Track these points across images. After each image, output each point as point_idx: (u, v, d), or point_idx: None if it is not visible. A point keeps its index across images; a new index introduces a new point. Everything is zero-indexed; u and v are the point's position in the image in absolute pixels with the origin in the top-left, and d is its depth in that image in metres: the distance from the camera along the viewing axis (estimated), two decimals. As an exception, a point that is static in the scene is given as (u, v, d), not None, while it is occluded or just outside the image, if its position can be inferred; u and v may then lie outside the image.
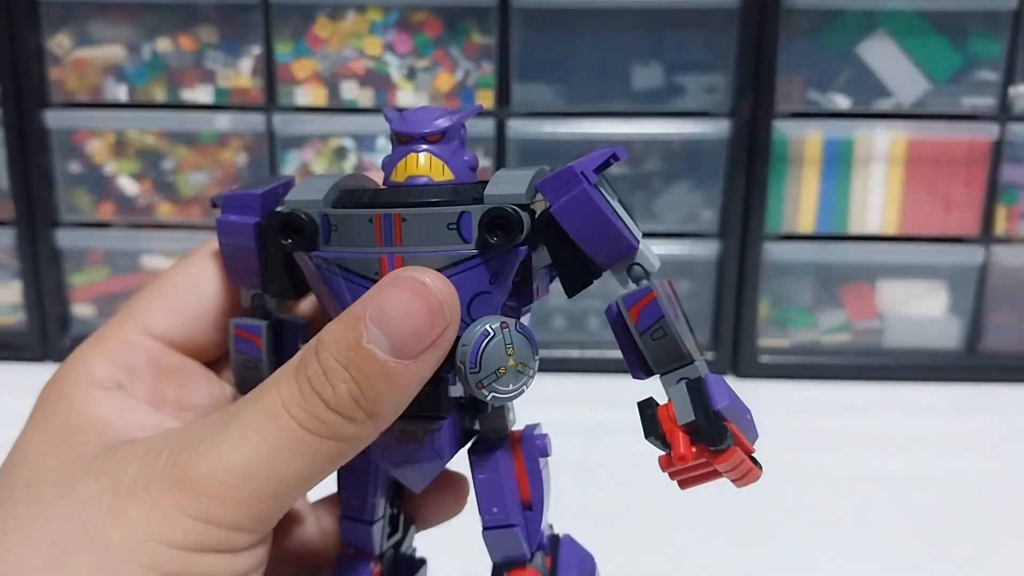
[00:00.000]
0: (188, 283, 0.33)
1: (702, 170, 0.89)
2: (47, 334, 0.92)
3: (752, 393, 0.86)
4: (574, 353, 0.89)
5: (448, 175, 0.30)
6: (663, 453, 0.29)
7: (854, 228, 0.89)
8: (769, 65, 0.84)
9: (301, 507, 0.38)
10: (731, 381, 0.96)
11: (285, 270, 0.32)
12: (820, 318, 0.92)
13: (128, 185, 0.90)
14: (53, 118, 0.88)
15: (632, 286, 0.30)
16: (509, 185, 0.29)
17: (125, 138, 0.89)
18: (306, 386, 0.27)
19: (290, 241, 0.29)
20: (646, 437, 0.29)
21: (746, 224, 0.88)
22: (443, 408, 0.31)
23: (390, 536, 0.36)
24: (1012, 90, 0.86)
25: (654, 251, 0.30)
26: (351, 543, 0.35)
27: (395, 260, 0.29)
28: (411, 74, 0.87)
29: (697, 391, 0.29)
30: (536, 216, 0.30)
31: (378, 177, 0.33)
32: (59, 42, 0.87)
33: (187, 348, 0.34)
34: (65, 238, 0.91)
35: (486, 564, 0.34)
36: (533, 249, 0.30)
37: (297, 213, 0.29)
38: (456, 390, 0.31)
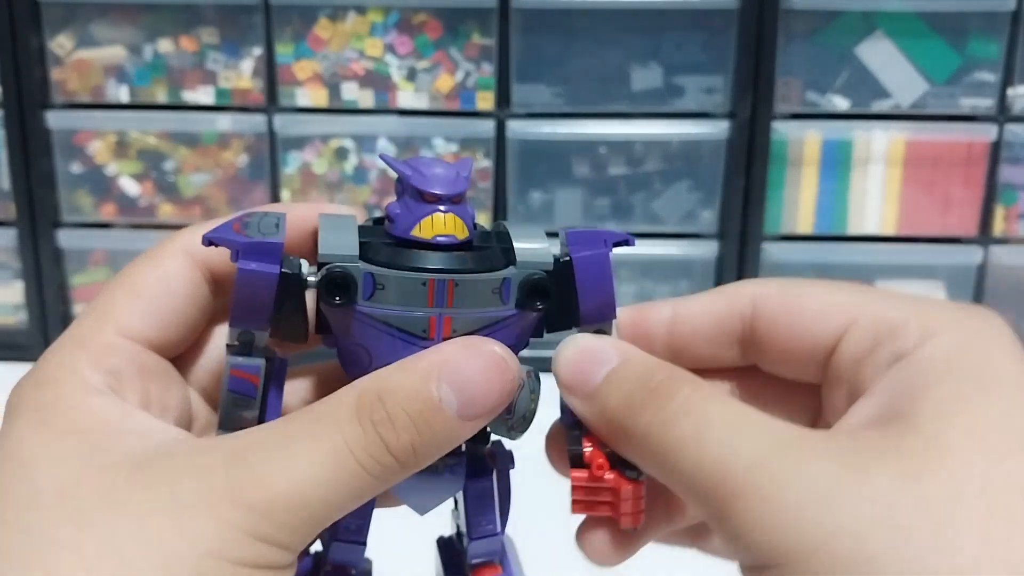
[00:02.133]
0: (162, 284, 0.34)
1: (701, 171, 0.89)
2: (48, 334, 0.92)
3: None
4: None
5: (465, 233, 0.32)
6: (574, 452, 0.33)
7: (853, 229, 0.90)
8: (768, 66, 0.85)
9: None
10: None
11: (303, 319, 0.33)
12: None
13: (129, 186, 0.91)
14: (55, 119, 0.88)
15: None
16: (536, 248, 0.32)
17: (126, 139, 0.90)
18: (371, 429, 0.29)
19: (337, 299, 0.31)
20: (568, 447, 0.33)
21: (745, 224, 0.88)
22: (462, 445, 0.33)
23: None
24: (1010, 91, 0.86)
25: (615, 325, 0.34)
26: (339, 562, 0.37)
27: (444, 320, 0.31)
28: (411, 75, 0.87)
29: None
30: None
31: (361, 215, 0.35)
32: (61, 43, 0.88)
33: (160, 348, 0.34)
34: (67, 238, 0.91)
35: (425, 565, 0.38)
36: None
37: (344, 270, 0.31)
38: None
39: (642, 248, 0.90)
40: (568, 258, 0.32)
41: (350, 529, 0.36)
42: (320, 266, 0.31)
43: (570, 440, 0.33)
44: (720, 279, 0.90)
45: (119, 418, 0.31)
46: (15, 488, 0.29)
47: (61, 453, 0.29)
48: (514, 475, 0.37)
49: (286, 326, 0.32)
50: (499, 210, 0.90)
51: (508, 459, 0.37)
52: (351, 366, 0.33)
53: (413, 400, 0.29)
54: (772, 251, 0.89)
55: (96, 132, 0.89)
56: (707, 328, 0.34)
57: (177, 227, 1.00)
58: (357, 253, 0.31)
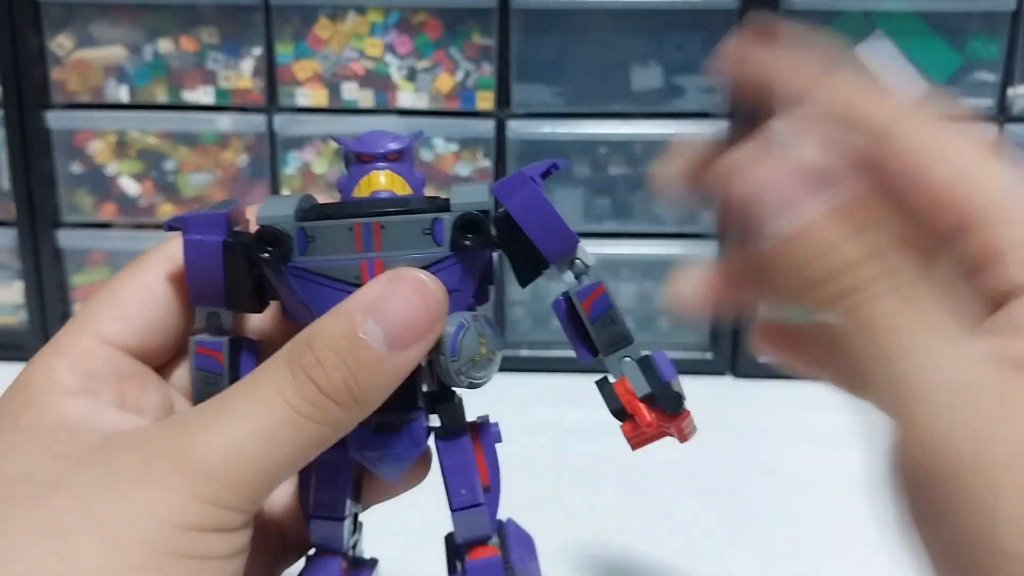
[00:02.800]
0: (141, 291, 0.35)
1: (701, 171, 0.89)
2: (49, 334, 0.91)
3: (751, 393, 0.86)
4: (571, 353, 0.89)
5: (408, 190, 0.33)
6: (624, 420, 0.34)
7: (853, 228, 0.90)
8: (768, 66, 0.85)
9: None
10: (730, 381, 0.96)
11: (252, 285, 0.33)
12: (818, 318, 0.92)
13: (129, 186, 0.91)
14: (54, 119, 0.89)
15: (575, 280, 0.34)
16: (472, 195, 0.33)
17: (126, 139, 0.90)
18: (300, 374, 0.29)
19: (268, 254, 0.32)
20: (613, 413, 0.34)
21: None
22: (418, 400, 0.34)
23: (352, 534, 0.38)
24: (1011, 91, 0.86)
25: (589, 251, 0.34)
26: (321, 543, 0.36)
27: (375, 264, 0.32)
28: (411, 75, 0.87)
29: (648, 366, 0.34)
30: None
31: (324, 199, 0.35)
32: (60, 43, 0.88)
33: (140, 354, 0.35)
34: (67, 238, 0.91)
35: (434, 564, 0.37)
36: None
37: (274, 227, 0.32)
38: (425, 385, 0.35)
39: (642, 248, 0.90)
40: (503, 209, 0.33)
41: (323, 503, 0.36)
42: (257, 230, 0.32)
43: (607, 397, 0.34)
44: (720, 279, 0.90)
45: (85, 415, 0.32)
46: None
47: (24, 448, 0.30)
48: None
49: (239, 296, 0.33)
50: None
51: (491, 432, 0.37)
52: (301, 328, 0.33)
53: (338, 338, 0.29)
54: (772, 251, 0.89)
55: (96, 132, 0.89)
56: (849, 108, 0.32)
57: (177, 227, 0.99)
58: (291, 215, 0.32)
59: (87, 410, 0.32)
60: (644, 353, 0.34)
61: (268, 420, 0.29)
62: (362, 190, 0.33)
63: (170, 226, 0.33)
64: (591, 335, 0.34)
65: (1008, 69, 0.86)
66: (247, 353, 0.35)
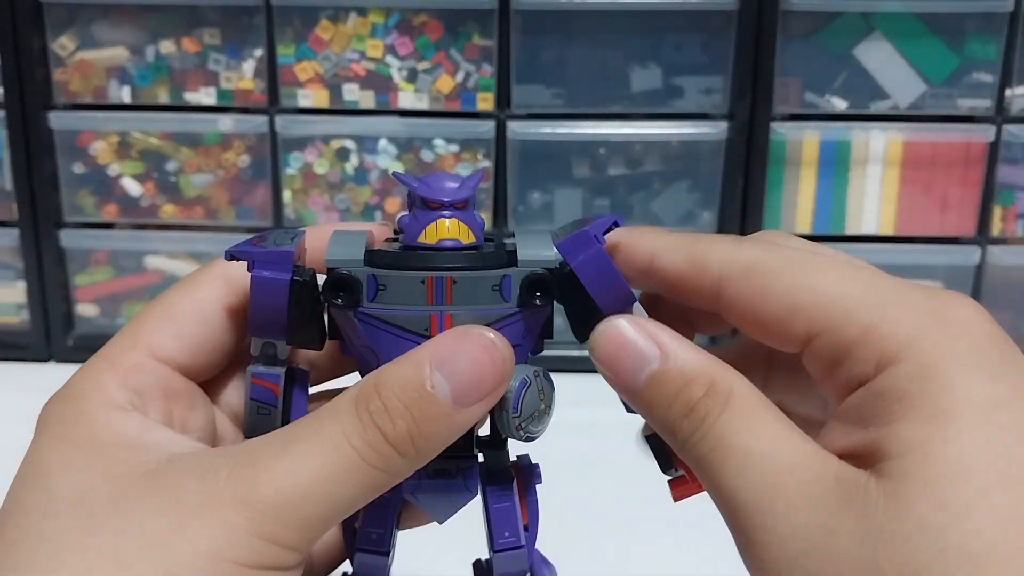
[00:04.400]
0: (195, 309, 0.34)
1: (700, 171, 0.90)
2: (51, 334, 0.92)
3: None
4: (574, 352, 0.89)
5: (472, 238, 0.33)
6: (671, 476, 0.35)
7: (851, 229, 0.90)
8: (767, 67, 0.85)
9: None
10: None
11: (315, 323, 0.34)
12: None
13: (132, 186, 0.91)
14: (57, 119, 0.89)
15: None
16: (538, 248, 0.33)
17: (129, 139, 0.90)
18: (367, 420, 0.30)
19: (340, 300, 0.32)
20: (663, 470, 0.35)
21: (744, 225, 0.89)
22: (474, 447, 0.34)
23: None
24: (1008, 92, 0.87)
25: (642, 308, 0.34)
26: (365, 573, 0.37)
27: (444, 318, 0.32)
28: (412, 76, 0.88)
29: None
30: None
31: (381, 232, 0.36)
32: (63, 44, 0.88)
33: (190, 371, 0.35)
34: (69, 239, 0.92)
35: None
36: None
37: (348, 273, 0.32)
38: (479, 430, 0.35)
39: (642, 248, 0.90)
40: (568, 268, 0.33)
41: (371, 538, 0.36)
42: (328, 272, 0.32)
43: (658, 454, 0.35)
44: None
45: (137, 432, 0.31)
46: (33, 497, 0.30)
47: (77, 464, 0.30)
48: (543, 491, 0.38)
49: (301, 333, 0.33)
50: (499, 210, 0.90)
51: (534, 473, 0.37)
52: (363, 369, 0.33)
53: (406, 389, 0.30)
54: (771, 251, 0.90)
55: (98, 133, 0.90)
56: (677, 287, 0.33)
57: (179, 227, 1.00)
58: (361, 258, 0.32)
59: (139, 427, 0.32)
60: None
61: (333, 462, 0.29)
62: (428, 237, 0.33)
63: (232, 256, 0.33)
64: None
65: (1006, 70, 0.86)
66: (299, 385, 0.35)
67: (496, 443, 0.35)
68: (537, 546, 0.39)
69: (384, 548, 0.36)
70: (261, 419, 0.34)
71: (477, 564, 0.40)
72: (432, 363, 0.30)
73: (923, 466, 0.26)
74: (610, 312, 0.33)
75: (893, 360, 0.27)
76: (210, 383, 0.36)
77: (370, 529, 0.36)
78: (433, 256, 0.33)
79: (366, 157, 0.90)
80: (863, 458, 0.27)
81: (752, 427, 0.29)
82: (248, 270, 0.32)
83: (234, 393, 0.36)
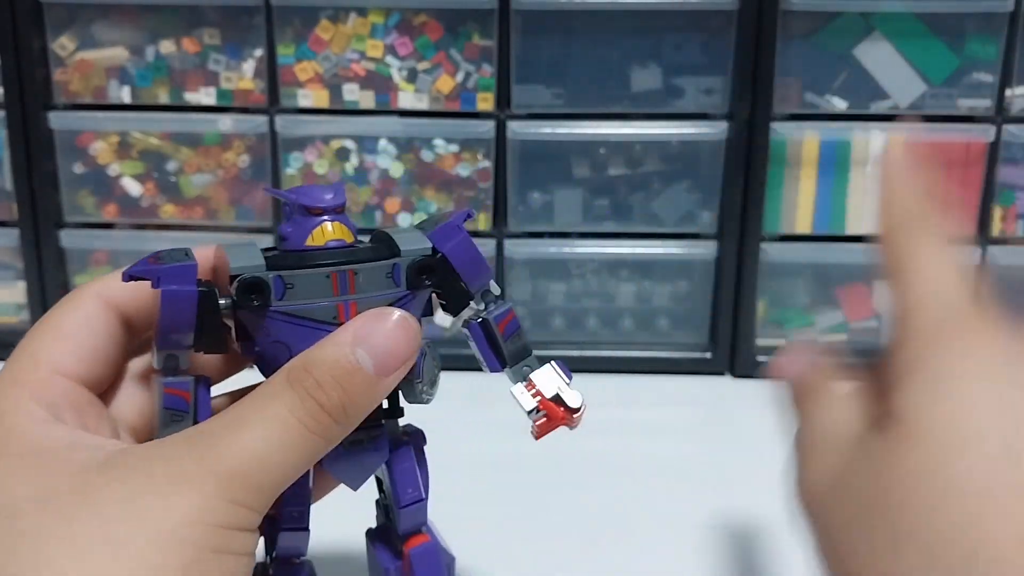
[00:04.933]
0: (83, 325, 0.38)
1: (700, 171, 0.90)
2: (51, 334, 0.92)
3: (750, 393, 0.87)
4: (573, 353, 0.89)
5: (352, 237, 0.39)
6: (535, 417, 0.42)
7: (851, 229, 0.90)
8: (767, 67, 0.85)
9: None
10: (729, 381, 0.97)
11: (219, 330, 0.37)
12: (817, 319, 0.93)
13: (132, 186, 0.91)
14: (57, 120, 0.89)
15: (488, 305, 0.41)
16: (415, 242, 0.39)
17: (128, 139, 0.90)
18: (305, 395, 0.34)
19: (255, 302, 0.36)
20: (525, 410, 0.42)
21: (744, 225, 0.89)
22: (380, 418, 0.40)
23: None
24: (1008, 92, 0.87)
25: (494, 283, 0.42)
26: (288, 553, 0.41)
27: (350, 305, 0.37)
28: (412, 76, 0.88)
29: (549, 372, 0.42)
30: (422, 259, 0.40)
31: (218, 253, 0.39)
32: (63, 44, 0.88)
33: (89, 383, 0.38)
34: (69, 239, 0.92)
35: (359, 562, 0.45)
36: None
37: (259, 277, 0.36)
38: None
39: (642, 248, 0.91)
40: (440, 254, 0.39)
41: (293, 516, 0.40)
42: (232, 279, 0.36)
43: (519, 399, 0.41)
44: (719, 279, 0.91)
45: (68, 438, 0.34)
46: None
47: (27, 472, 0.32)
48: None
49: (208, 340, 0.37)
50: (499, 210, 0.90)
51: (421, 436, 0.43)
52: (271, 364, 0.37)
53: (334, 366, 0.34)
54: (771, 251, 0.90)
55: (98, 133, 0.90)
56: None
57: (179, 227, 1.01)
58: (264, 263, 0.36)
59: (64, 434, 0.34)
60: (549, 361, 0.42)
61: (284, 433, 0.33)
62: (316, 239, 0.38)
63: (132, 276, 0.36)
64: (503, 350, 0.41)
65: (1006, 70, 0.86)
66: (203, 389, 0.38)
67: (394, 413, 0.41)
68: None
69: (305, 524, 0.40)
70: (174, 426, 0.37)
71: (370, 532, 0.45)
72: (354, 341, 0.35)
73: (919, 422, 0.31)
74: (476, 288, 0.41)
75: (900, 343, 0.34)
76: (102, 395, 0.39)
77: (291, 508, 0.40)
78: (332, 254, 0.37)
79: (366, 157, 0.90)
80: (877, 407, 0.34)
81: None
82: (153, 287, 0.36)
83: (123, 400, 0.40)
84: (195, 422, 0.37)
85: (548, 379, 0.42)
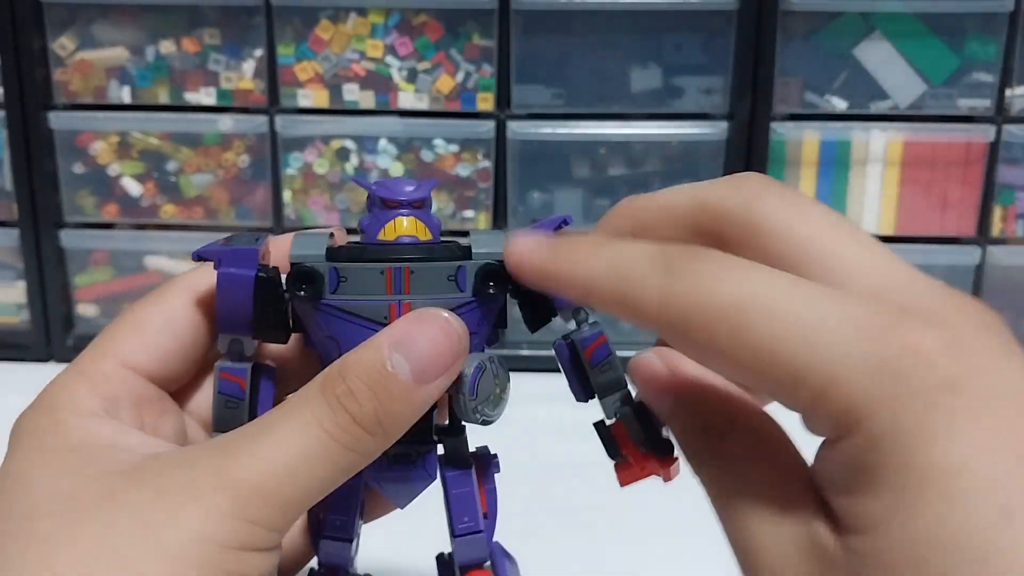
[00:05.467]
0: (163, 319, 0.36)
1: (700, 171, 0.90)
2: (51, 334, 0.92)
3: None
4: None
5: (428, 235, 0.36)
6: (619, 462, 0.36)
7: (851, 229, 0.90)
8: (767, 67, 0.85)
9: None
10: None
11: (279, 318, 0.35)
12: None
13: (132, 186, 0.91)
14: (57, 119, 0.89)
15: (577, 328, 0.36)
16: (491, 244, 0.35)
17: (128, 139, 0.90)
18: (335, 403, 0.31)
19: (303, 291, 0.34)
20: (610, 455, 0.36)
21: (744, 225, 0.89)
22: (432, 433, 0.36)
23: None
24: (1008, 92, 0.87)
25: None
26: (330, 562, 0.38)
27: (403, 306, 0.34)
28: (412, 76, 0.88)
29: (643, 413, 0.35)
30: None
31: (341, 235, 0.37)
32: (63, 44, 0.88)
33: (159, 379, 0.36)
34: (69, 239, 0.92)
35: None
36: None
37: (311, 266, 0.34)
38: (437, 418, 0.37)
39: (642, 248, 0.90)
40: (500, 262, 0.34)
41: (335, 525, 0.37)
42: (292, 267, 0.34)
43: (605, 441, 0.36)
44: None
45: (112, 436, 0.33)
46: (17, 503, 0.30)
47: (58, 468, 0.31)
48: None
49: (266, 327, 0.35)
50: (499, 210, 0.90)
51: (491, 462, 0.39)
52: (324, 360, 0.35)
53: (369, 371, 0.31)
54: (771, 251, 0.90)
55: (98, 133, 0.90)
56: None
57: (179, 228, 1.00)
58: (323, 254, 0.34)
59: (113, 432, 0.33)
60: (639, 400, 0.35)
61: (307, 445, 0.31)
62: (387, 234, 0.35)
63: (199, 256, 0.35)
64: (589, 378, 0.36)
65: (1006, 70, 0.86)
66: (266, 380, 0.36)
67: (454, 430, 0.37)
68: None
69: (348, 535, 0.38)
70: (229, 412, 0.35)
71: (440, 557, 0.41)
72: (390, 345, 0.32)
73: (886, 545, 0.24)
74: (563, 306, 0.36)
75: (850, 430, 0.25)
76: (180, 391, 0.37)
77: (334, 516, 0.37)
78: (391, 249, 0.35)
79: (366, 157, 0.90)
80: (836, 521, 0.26)
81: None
82: (215, 268, 0.34)
83: (203, 400, 0.38)
84: (252, 413, 0.35)
85: (635, 425, 0.35)
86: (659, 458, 0.35)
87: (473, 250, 0.35)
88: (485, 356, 0.34)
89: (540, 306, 0.36)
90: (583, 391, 0.36)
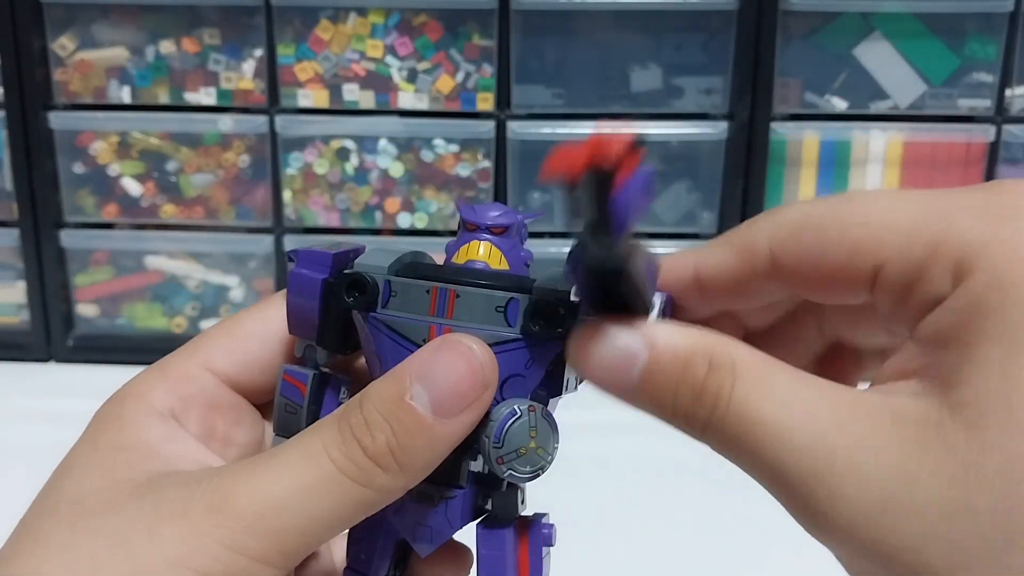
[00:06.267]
0: (256, 327, 0.35)
1: (700, 171, 0.90)
2: (51, 334, 0.92)
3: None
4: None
5: (504, 265, 0.33)
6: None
7: (851, 229, 0.90)
8: (767, 67, 0.85)
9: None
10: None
11: (342, 326, 0.34)
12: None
13: (132, 186, 0.91)
14: (57, 119, 0.89)
15: None
16: (556, 281, 0.31)
17: (129, 139, 0.90)
18: (347, 432, 0.29)
19: (352, 299, 0.32)
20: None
21: (744, 225, 0.89)
22: (461, 478, 0.32)
23: None
24: (1008, 92, 0.87)
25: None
26: None
27: (443, 331, 0.31)
28: (412, 76, 0.88)
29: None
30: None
31: (440, 259, 0.35)
32: (63, 44, 0.88)
33: (242, 388, 0.35)
34: (69, 239, 0.92)
35: None
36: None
37: (362, 274, 0.32)
38: (476, 465, 0.33)
39: (641, 248, 0.90)
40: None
41: (359, 558, 0.35)
42: (347, 275, 0.32)
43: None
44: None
45: (160, 440, 0.32)
46: (46, 496, 0.30)
47: (94, 465, 0.31)
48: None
49: (329, 335, 0.33)
50: (499, 210, 0.90)
51: (539, 530, 0.34)
52: (372, 379, 0.33)
53: (385, 400, 0.29)
54: (771, 251, 0.90)
55: (98, 133, 0.90)
56: (729, 285, 0.31)
57: (179, 227, 1.00)
58: (386, 266, 0.32)
59: (165, 434, 0.32)
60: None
61: (310, 474, 0.28)
62: (460, 257, 0.33)
63: (288, 256, 0.34)
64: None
65: (1006, 70, 0.86)
66: (331, 391, 0.34)
67: (493, 482, 0.33)
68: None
69: (368, 573, 0.35)
70: (288, 417, 0.34)
71: None
72: (414, 374, 0.29)
73: (1003, 389, 0.23)
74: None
75: (969, 271, 0.25)
76: (268, 404, 0.36)
77: (357, 548, 0.35)
78: (446, 269, 0.32)
79: (366, 157, 0.90)
80: (940, 380, 0.25)
81: (773, 393, 0.26)
82: (292, 268, 0.33)
83: None
84: (311, 421, 0.33)
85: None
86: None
87: (536, 284, 0.31)
88: (526, 404, 0.31)
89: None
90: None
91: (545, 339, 0.31)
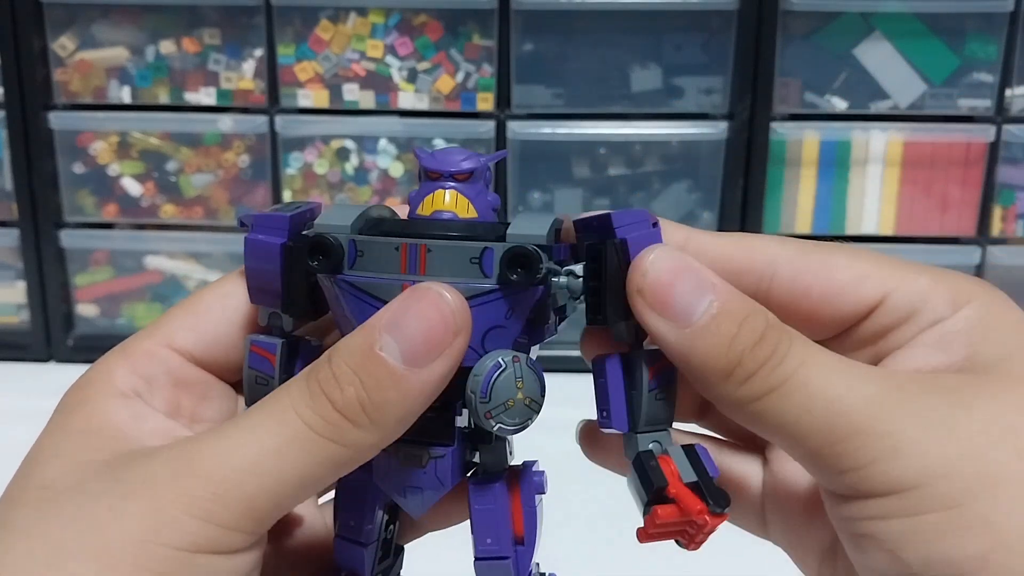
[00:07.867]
0: (217, 302, 0.34)
1: (700, 171, 0.90)
2: (51, 334, 0.92)
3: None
4: (574, 352, 0.89)
5: (472, 213, 0.31)
6: (654, 504, 0.30)
7: (851, 229, 0.90)
8: (767, 67, 0.85)
9: (306, 508, 0.38)
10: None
11: (307, 290, 0.32)
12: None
13: (131, 186, 0.91)
14: (57, 119, 0.89)
15: (637, 344, 0.31)
16: (531, 226, 0.30)
17: (128, 139, 0.90)
18: (316, 387, 0.28)
19: (316, 263, 0.30)
20: (646, 492, 0.30)
21: (744, 225, 0.89)
22: (448, 435, 0.31)
23: (381, 560, 0.36)
24: (1008, 92, 0.87)
25: None
26: (343, 565, 0.35)
27: None
28: (412, 76, 0.88)
29: (694, 456, 0.30)
30: (588, 241, 0.31)
31: (402, 211, 0.34)
32: (63, 44, 0.88)
33: (208, 364, 0.34)
34: (69, 238, 0.92)
35: None
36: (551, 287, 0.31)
37: (325, 236, 0.30)
38: (461, 420, 0.32)
39: (641, 248, 0.90)
40: (618, 240, 0.30)
41: (348, 526, 0.34)
42: (310, 237, 0.31)
43: (652, 472, 0.30)
44: (719, 279, 0.91)
45: (131, 421, 0.31)
46: (16, 486, 0.30)
47: (61, 450, 0.30)
48: (548, 502, 0.34)
49: (295, 301, 0.32)
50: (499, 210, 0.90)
51: (531, 479, 0.33)
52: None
53: (354, 353, 0.28)
54: (771, 251, 0.90)
55: (98, 133, 0.90)
56: (720, 273, 0.30)
57: (179, 227, 1.00)
58: (348, 225, 0.30)
59: (132, 414, 0.31)
60: (687, 443, 0.31)
61: (279, 435, 0.27)
62: (425, 208, 0.31)
63: (240, 222, 0.32)
64: (638, 403, 0.31)
65: (1006, 70, 0.86)
66: (303, 358, 0.33)
67: (481, 436, 0.32)
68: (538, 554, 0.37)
69: (361, 539, 0.34)
70: (259, 389, 0.32)
71: None
72: (383, 326, 0.28)
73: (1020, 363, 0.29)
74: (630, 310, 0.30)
75: (965, 303, 0.30)
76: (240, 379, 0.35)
77: (346, 515, 0.34)
78: (413, 224, 0.31)
79: (366, 157, 0.90)
80: (964, 369, 0.30)
81: (827, 359, 0.28)
82: (246, 235, 0.32)
83: None
84: None
85: (686, 464, 0.30)
86: (712, 510, 0.29)
87: (509, 231, 0.30)
88: (509, 355, 0.30)
89: (614, 303, 0.30)
90: (627, 418, 0.31)
91: (524, 287, 0.29)
